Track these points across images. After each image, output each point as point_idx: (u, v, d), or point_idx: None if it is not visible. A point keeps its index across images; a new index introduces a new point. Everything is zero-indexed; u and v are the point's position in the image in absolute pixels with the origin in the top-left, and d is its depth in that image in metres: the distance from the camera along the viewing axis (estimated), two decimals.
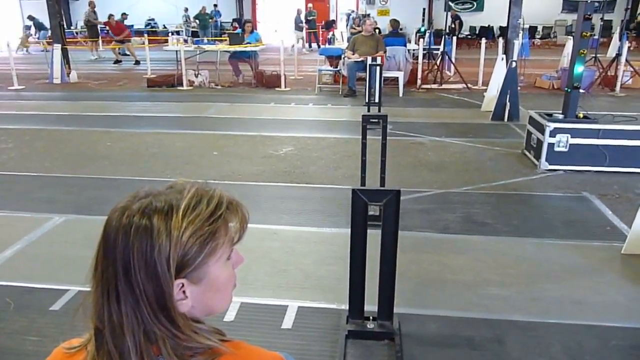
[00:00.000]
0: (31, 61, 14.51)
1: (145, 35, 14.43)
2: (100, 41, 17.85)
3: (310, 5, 20.68)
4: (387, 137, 3.86)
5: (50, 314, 2.79)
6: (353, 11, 20.86)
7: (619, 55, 9.69)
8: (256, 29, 16.10)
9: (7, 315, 2.79)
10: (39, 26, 20.38)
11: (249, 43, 10.88)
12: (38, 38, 20.33)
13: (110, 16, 15.55)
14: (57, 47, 11.19)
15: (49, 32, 19.52)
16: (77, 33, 21.33)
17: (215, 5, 21.31)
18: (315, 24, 20.00)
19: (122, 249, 0.80)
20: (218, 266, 0.86)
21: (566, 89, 5.23)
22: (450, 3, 14.45)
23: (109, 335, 0.80)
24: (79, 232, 3.81)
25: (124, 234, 0.80)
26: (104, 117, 7.95)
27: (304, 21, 18.85)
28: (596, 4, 5.05)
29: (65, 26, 11.97)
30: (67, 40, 12.03)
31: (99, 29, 17.42)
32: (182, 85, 10.52)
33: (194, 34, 18.69)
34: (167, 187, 0.87)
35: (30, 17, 20.47)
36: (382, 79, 7.54)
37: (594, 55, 10.34)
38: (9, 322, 2.73)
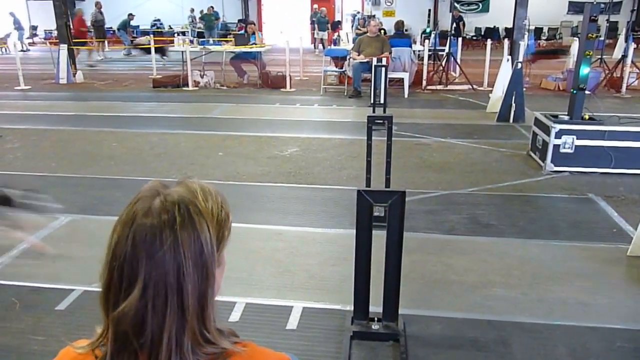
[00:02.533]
0: (37, 61, 14.59)
1: (151, 35, 14.47)
2: (106, 42, 17.91)
3: (315, 5, 20.70)
4: (392, 138, 3.86)
5: (55, 313, 2.80)
6: (358, 12, 20.85)
7: (624, 56, 9.66)
8: (261, 30, 16.09)
9: (13, 314, 2.80)
10: (17, 25, 19.71)
11: (255, 44, 10.90)
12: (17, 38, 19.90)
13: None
14: (64, 48, 11.24)
15: (26, 32, 19.24)
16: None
17: (212, 7, 21.11)
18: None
19: (170, 248, 0.79)
20: (225, 250, 0.91)
21: (572, 90, 5.22)
22: (455, 4, 14.42)
23: (149, 342, 0.79)
24: (85, 231, 3.83)
25: (170, 229, 0.80)
26: (110, 118, 7.98)
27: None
28: (602, 6, 5.04)
29: (71, 27, 11.98)
30: (73, 40, 12.06)
31: (105, 29, 17.48)
32: (187, 85, 10.55)
33: (200, 35, 18.72)
34: (151, 186, 0.88)
35: (12, 14, 19.82)
36: (388, 79, 7.54)
37: (599, 56, 10.30)
38: (14, 322, 2.74)
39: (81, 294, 2.93)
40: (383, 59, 8.74)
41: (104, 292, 0.82)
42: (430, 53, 10.79)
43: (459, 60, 11.37)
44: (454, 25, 14.32)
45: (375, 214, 2.53)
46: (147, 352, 0.80)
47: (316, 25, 19.01)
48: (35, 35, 23.32)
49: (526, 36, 10.01)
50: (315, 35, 19.26)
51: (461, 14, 18.40)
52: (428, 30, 14.10)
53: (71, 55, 11.57)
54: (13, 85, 10.75)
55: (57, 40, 11.84)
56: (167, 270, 0.79)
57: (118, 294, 0.80)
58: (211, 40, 15.07)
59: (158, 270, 0.79)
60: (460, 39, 12.80)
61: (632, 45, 9.67)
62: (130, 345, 0.80)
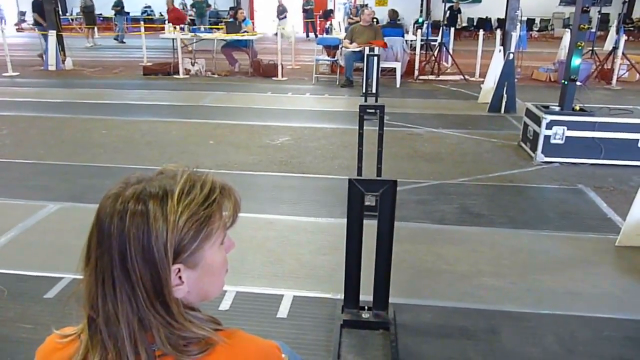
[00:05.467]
0: (26, 47, 14.40)
1: (142, 22, 14.31)
2: (96, 28, 17.69)
3: None
4: (384, 128, 3.85)
5: (44, 301, 2.78)
6: (351, 1, 20.73)
7: (615, 48, 9.69)
8: (252, 19, 15.94)
9: (1, 302, 2.78)
10: None
11: (246, 32, 10.81)
12: None
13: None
14: (52, 34, 11.09)
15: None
16: (72, 20, 21.11)
17: None
18: (313, 14, 19.86)
19: (117, 236, 0.79)
20: (213, 251, 0.86)
21: (563, 81, 5.23)
22: None
23: (103, 323, 0.80)
24: (74, 220, 3.79)
25: (119, 220, 0.79)
26: (100, 105, 7.90)
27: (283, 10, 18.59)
28: None
29: (60, 12, 11.82)
30: (63, 26, 11.90)
31: (95, 16, 17.26)
32: (178, 73, 10.45)
33: (191, 22, 18.55)
34: (157, 173, 0.87)
35: None
36: (380, 69, 7.51)
37: (591, 48, 10.34)
38: (2, 310, 2.72)
39: (70, 282, 2.92)
40: (375, 48, 8.70)
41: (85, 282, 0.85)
42: (422, 43, 10.77)
43: (451, 51, 11.36)
44: (449, 15, 14.25)
45: (367, 203, 2.52)
46: (112, 337, 0.80)
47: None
48: (24, 21, 22.98)
49: (518, 27, 10.02)
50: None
51: (459, 5, 18.34)
52: (420, 20, 14.06)
53: (60, 42, 11.41)
54: (1, 72, 10.60)
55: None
56: (113, 257, 0.79)
57: (83, 272, 0.84)
58: (202, 27, 14.93)
59: (105, 255, 0.80)
60: (452, 29, 12.77)
61: (623, 37, 9.71)
62: (100, 330, 0.81)
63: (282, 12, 18.73)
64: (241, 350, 0.85)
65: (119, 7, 17.83)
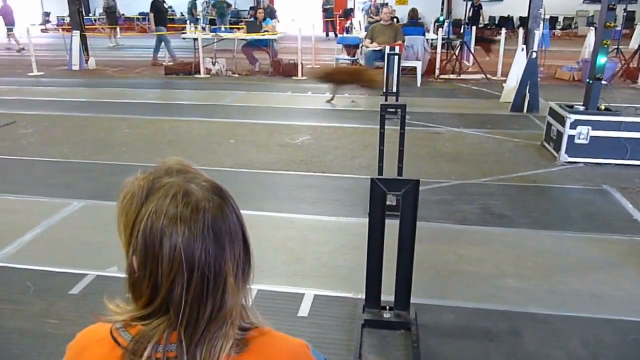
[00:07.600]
0: (50, 48, 14.65)
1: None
2: (118, 28, 17.92)
3: None
4: (405, 127, 3.82)
5: (69, 297, 2.83)
6: (371, 0, 20.64)
7: None
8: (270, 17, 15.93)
9: (27, 298, 2.84)
10: None
11: (266, 31, 10.84)
12: None
13: None
14: (76, 34, 11.27)
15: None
16: (95, 20, 21.41)
17: None
18: (332, 13, 19.82)
19: (238, 228, 0.82)
20: None
21: (588, 80, 5.14)
22: None
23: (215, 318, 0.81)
24: (97, 217, 3.85)
25: (234, 213, 0.83)
26: (122, 104, 8.00)
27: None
28: None
29: (83, 13, 12.00)
30: (86, 27, 12.09)
31: (117, 16, 17.52)
32: (199, 73, 10.54)
33: (212, 22, 18.67)
34: (177, 190, 0.79)
35: None
36: (400, 68, 7.47)
37: (616, 46, 10.13)
38: (29, 305, 2.77)
39: (94, 278, 2.96)
40: (396, 47, 8.66)
41: (177, 299, 0.78)
42: (443, 42, 10.68)
43: (472, 49, 11.25)
44: (472, 13, 14.05)
45: (388, 202, 2.51)
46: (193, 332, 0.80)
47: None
48: (48, 21, 23.37)
49: (541, 25, 9.87)
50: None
51: (480, 1, 18.11)
52: (441, 18, 13.95)
53: (84, 42, 11.59)
54: (26, 72, 10.80)
55: (70, 27, 11.86)
56: (238, 253, 0.82)
57: (203, 293, 0.79)
58: (223, 27, 15.03)
59: (235, 254, 0.81)
60: (474, 28, 12.63)
61: None
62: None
63: (271, 13, 18.72)
64: (273, 348, 0.86)
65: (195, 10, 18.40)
